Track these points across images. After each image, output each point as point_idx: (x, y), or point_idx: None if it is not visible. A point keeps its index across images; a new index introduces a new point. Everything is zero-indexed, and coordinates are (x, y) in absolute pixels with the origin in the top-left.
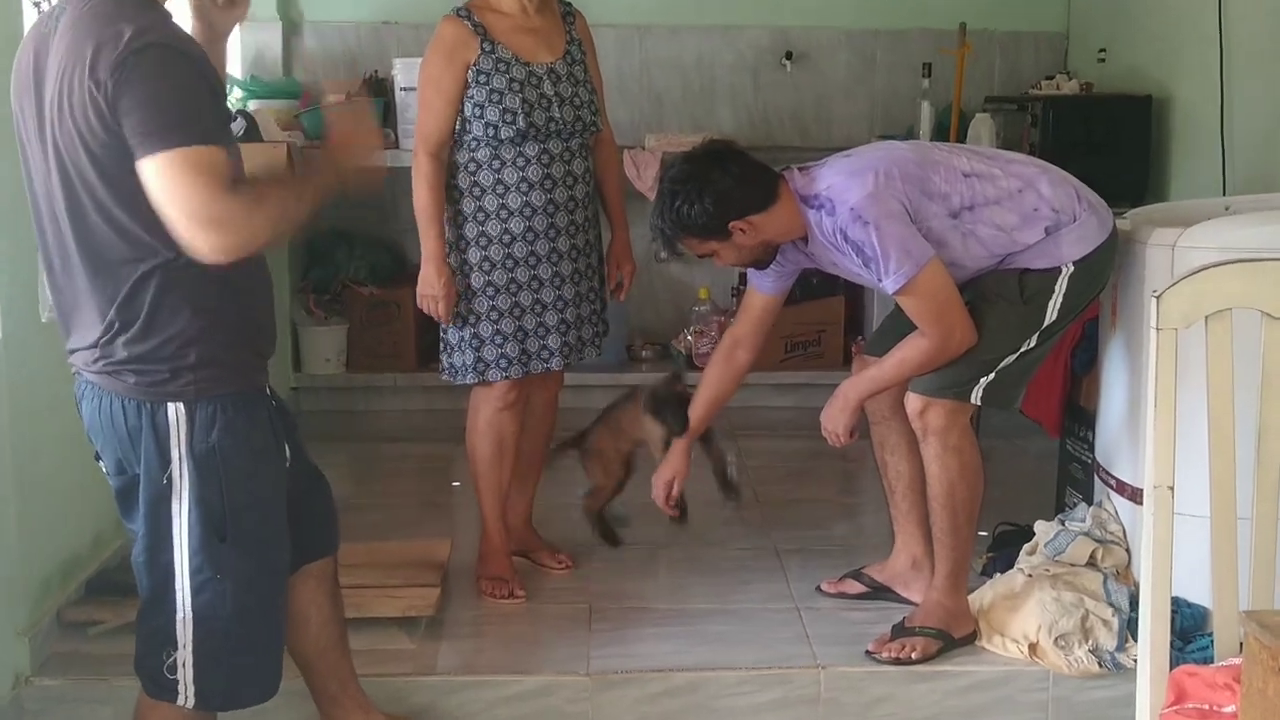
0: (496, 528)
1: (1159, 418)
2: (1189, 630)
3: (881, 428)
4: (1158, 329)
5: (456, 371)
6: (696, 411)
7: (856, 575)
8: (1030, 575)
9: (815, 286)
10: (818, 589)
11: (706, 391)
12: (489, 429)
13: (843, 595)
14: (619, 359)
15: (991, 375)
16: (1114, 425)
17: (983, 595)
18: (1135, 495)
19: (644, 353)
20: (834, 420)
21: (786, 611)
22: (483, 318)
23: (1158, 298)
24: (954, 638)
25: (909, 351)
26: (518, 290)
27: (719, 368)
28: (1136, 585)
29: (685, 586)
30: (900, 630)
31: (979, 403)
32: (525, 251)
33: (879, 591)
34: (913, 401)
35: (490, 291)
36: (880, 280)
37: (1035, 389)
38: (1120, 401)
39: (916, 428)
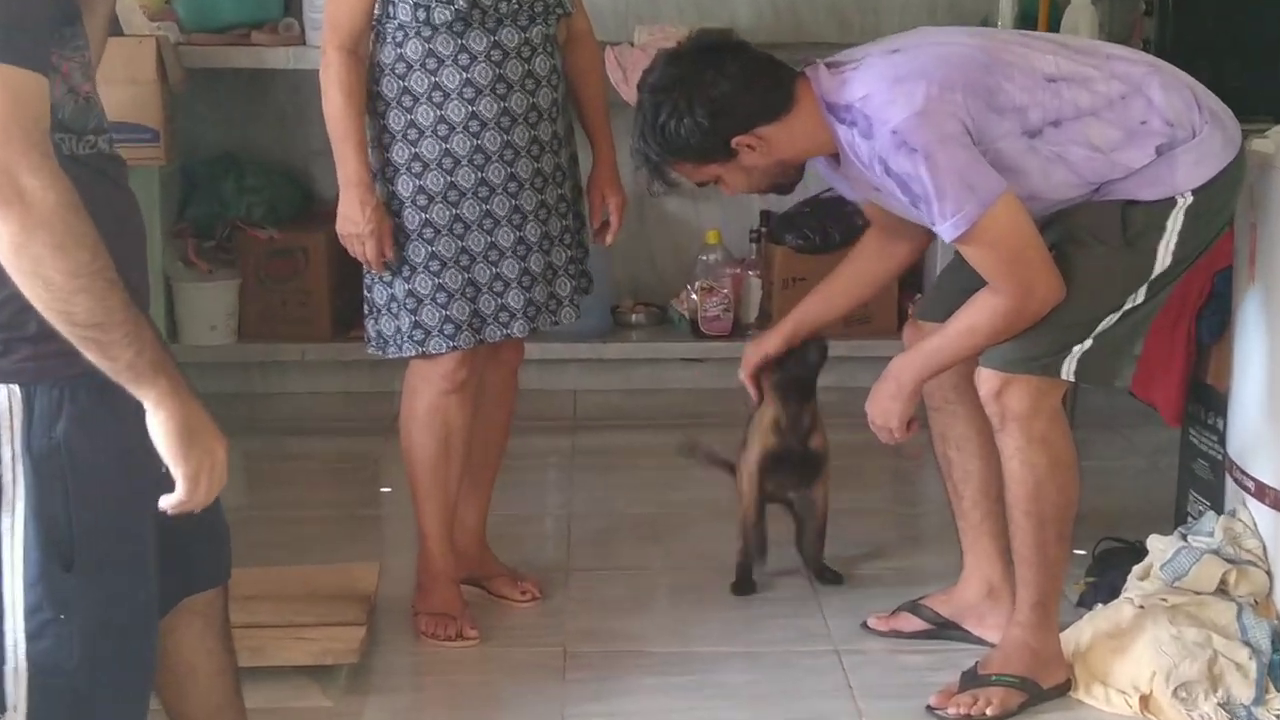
0: (440, 548)
1: None
2: None
3: (944, 415)
4: None
5: (386, 342)
6: (808, 305)
7: (914, 608)
8: (1142, 606)
9: (857, 230)
10: (864, 626)
11: (833, 284)
12: (431, 418)
13: (896, 634)
14: (602, 324)
15: (1088, 342)
16: (1252, 410)
17: (1079, 633)
18: None
19: (634, 316)
20: (884, 411)
21: (823, 655)
22: (419, 269)
23: None
24: (1042, 688)
25: (977, 315)
26: (465, 231)
27: (863, 256)
28: (1275, 618)
29: (690, 623)
30: (972, 679)
31: (1073, 379)
32: (473, 180)
33: (943, 629)
34: (986, 380)
35: (429, 234)
36: (934, 225)
37: (1148, 362)
38: (1261, 379)
39: (991, 413)
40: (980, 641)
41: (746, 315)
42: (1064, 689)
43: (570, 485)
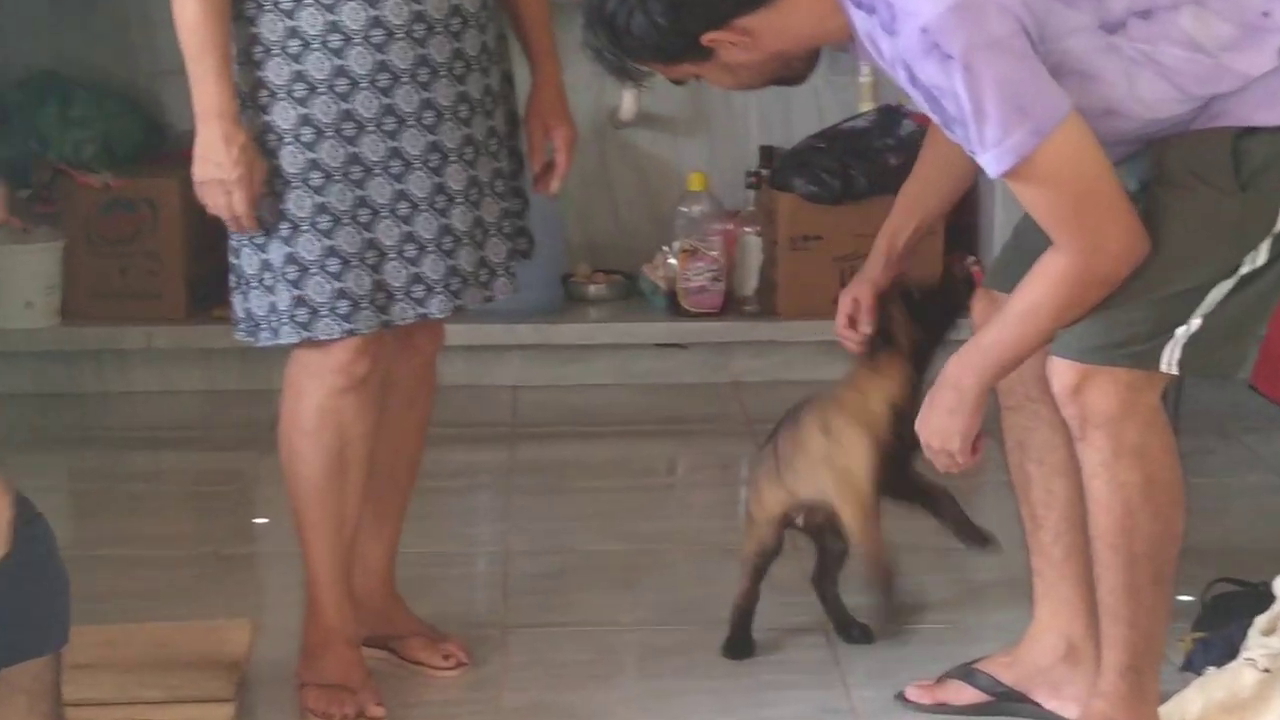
0: (334, 597)
1: None
2: None
3: (1022, 416)
4: None
5: (259, 324)
6: (897, 216)
7: (967, 674)
8: (1268, 670)
9: (891, 171)
10: (900, 698)
11: (916, 183)
12: (321, 425)
13: (943, 708)
14: (550, 299)
15: (1195, 321)
16: None
17: (1186, 705)
18: None
19: (592, 289)
20: (942, 430)
21: None
22: (303, 227)
23: None
24: None
25: (1038, 288)
26: (365, 177)
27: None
28: None
29: (673, 694)
30: None
31: (1176, 370)
32: (376, 107)
33: (1006, 700)
34: (1060, 372)
35: (316, 180)
36: (973, 154)
37: (1272, 346)
38: None
39: (1068, 417)
40: (1054, 717)
41: (742, 286)
42: None
43: (508, 513)
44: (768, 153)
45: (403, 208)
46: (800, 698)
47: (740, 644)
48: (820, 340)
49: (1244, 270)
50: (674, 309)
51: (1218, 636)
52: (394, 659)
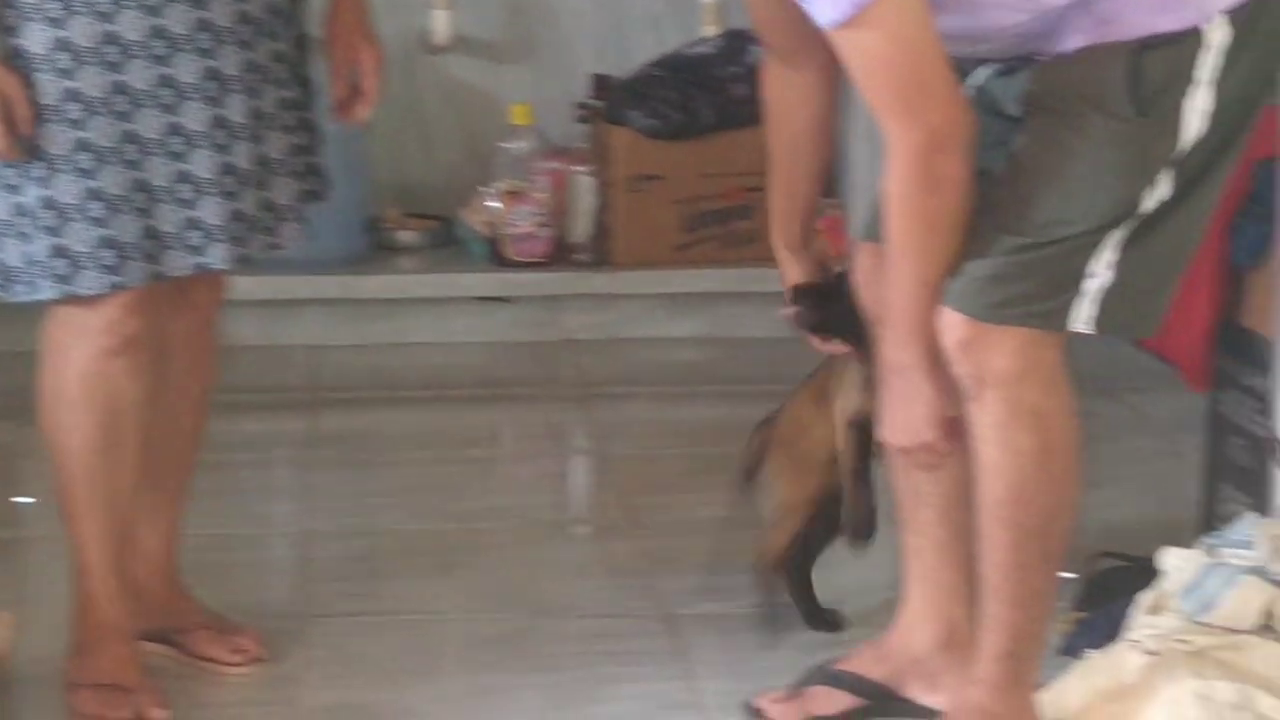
0: (107, 587)
1: None
2: None
3: None
4: None
5: (13, 277)
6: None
7: (831, 678)
8: (1155, 652)
9: (738, 103)
10: (752, 710)
11: (779, 159)
12: (88, 392)
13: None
14: (352, 246)
15: (1103, 273)
16: None
17: (1066, 693)
18: None
19: (402, 235)
20: (908, 424)
21: None
22: (61, 167)
23: None
24: None
25: (894, 215)
26: (132, 109)
27: (783, 105)
28: None
29: (497, 690)
30: None
31: (1091, 329)
32: (143, 30)
33: (880, 700)
34: (953, 326)
35: (75, 112)
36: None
37: None
38: None
39: (961, 374)
40: (932, 713)
41: (574, 232)
42: None
43: (308, 490)
44: (601, 82)
45: (176, 143)
46: (639, 692)
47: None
48: (661, 293)
49: (1146, 207)
50: (496, 258)
51: (1100, 616)
52: (178, 655)
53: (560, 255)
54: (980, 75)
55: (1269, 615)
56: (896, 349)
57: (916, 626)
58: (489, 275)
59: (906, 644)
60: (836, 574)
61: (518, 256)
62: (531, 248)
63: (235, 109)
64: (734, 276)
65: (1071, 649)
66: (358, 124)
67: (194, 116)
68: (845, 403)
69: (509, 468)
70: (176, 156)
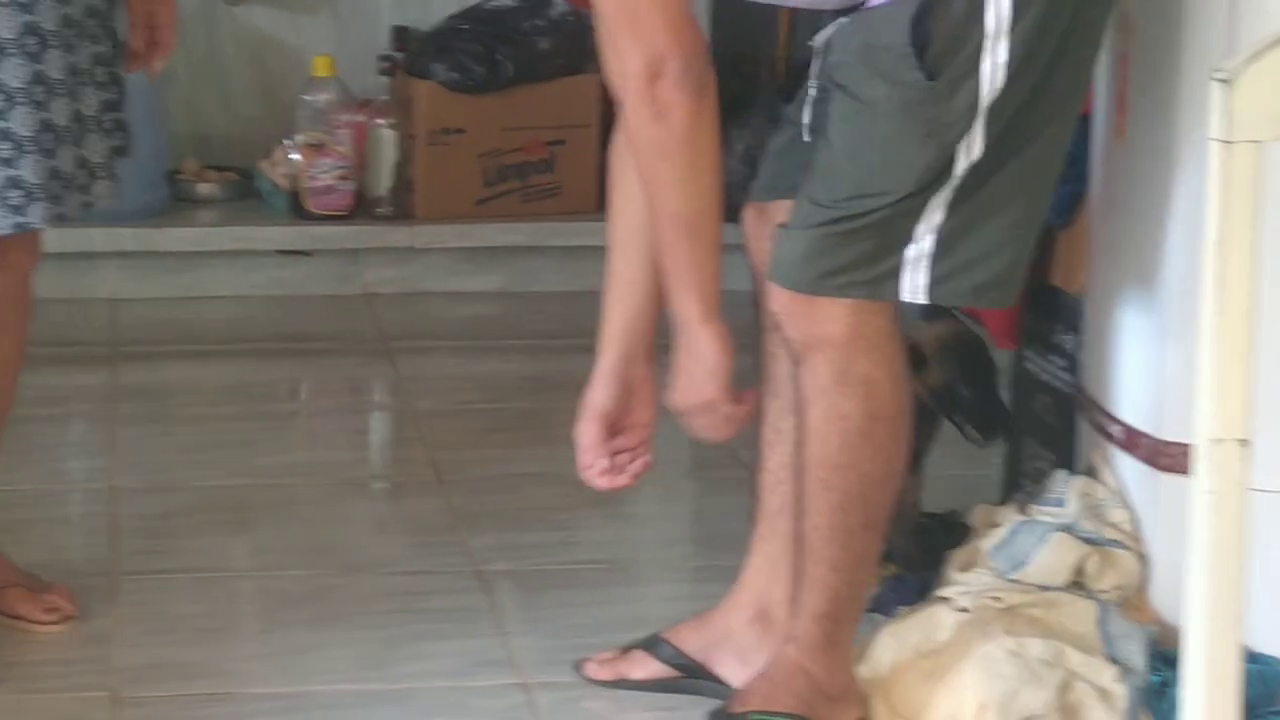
0: None
1: (1225, 308)
2: (1259, 701)
3: (765, 342)
4: (1225, 141)
5: None
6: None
7: (652, 645)
8: (966, 609)
9: (542, 57)
10: (581, 672)
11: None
12: None
13: (622, 683)
14: (152, 199)
15: (924, 239)
16: (1118, 324)
17: (878, 651)
18: (1163, 456)
19: (201, 188)
20: (692, 386)
21: (508, 695)
22: None
23: (1225, 81)
24: None
25: (629, 142)
26: None
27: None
28: (1160, 624)
29: (310, 648)
30: None
31: (925, 299)
32: None
33: (687, 675)
34: (777, 296)
35: None
36: None
37: None
38: (1132, 278)
39: (789, 338)
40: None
41: (375, 185)
42: None
43: (111, 445)
44: (402, 34)
45: None
46: (453, 649)
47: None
48: (462, 247)
49: (960, 167)
50: (297, 211)
51: (908, 573)
52: None
53: (361, 208)
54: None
55: (1079, 572)
56: (686, 301)
57: (737, 600)
58: (289, 228)
59: (725, 616)
60: None
61: (318, 209)
62: (332, 201)
63: (53, 65)
64: (533, 230)
65: (882, 605)
66: (153, 75)
67: (13, 73)
68: None
69: (312, 422)
70: None
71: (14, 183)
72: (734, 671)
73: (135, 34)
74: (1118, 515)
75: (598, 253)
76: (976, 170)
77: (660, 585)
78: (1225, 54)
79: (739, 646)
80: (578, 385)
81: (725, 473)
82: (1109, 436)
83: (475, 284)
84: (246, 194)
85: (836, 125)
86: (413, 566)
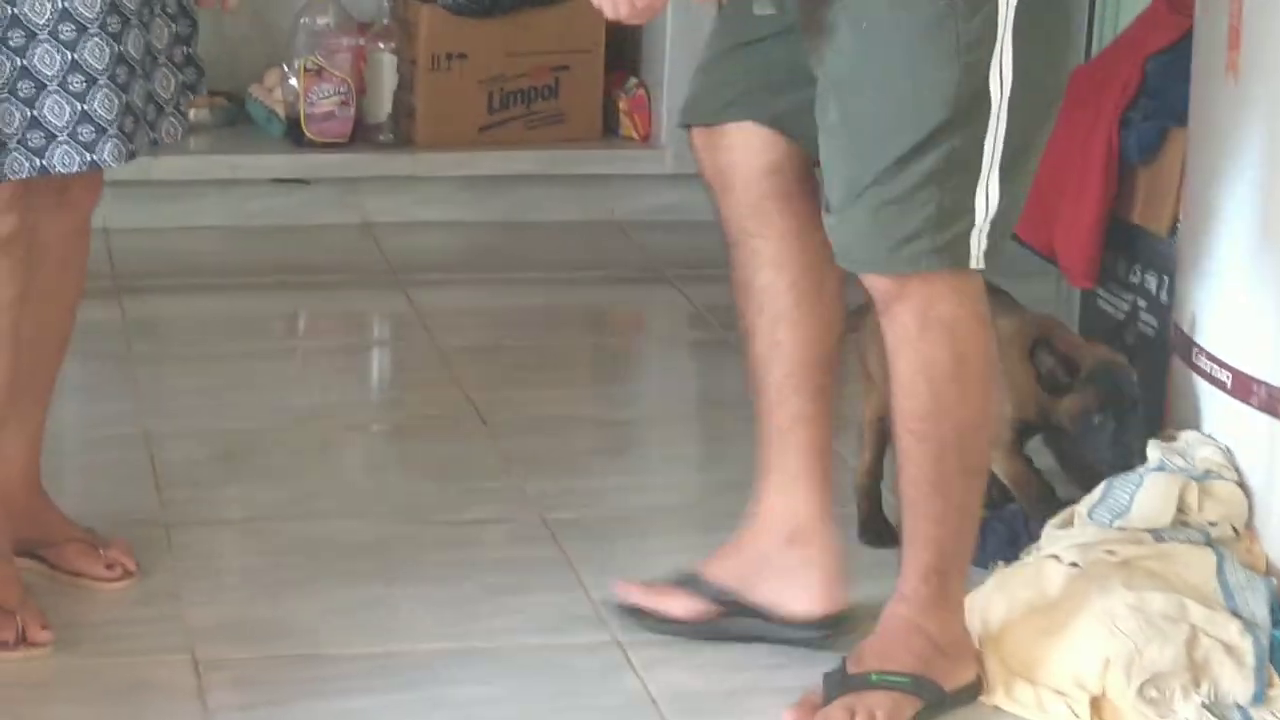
0: None
1: None
2: None
3: (741, 253)
4: None
5: None
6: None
7: (690, 581)
8: (1077, 564)
9: None
10: (617, 594)
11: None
12: None
13: (664, 622)
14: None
15: (993, 195)
16: (1225, 267)
17: (986, 605)
18: (1277, 402)
19: (195, 114)
20: None
21: (601, 650)
22: None
23: None
24: (944, 690)
25: None
26: None
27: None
28: (1275, 571)
29: (385, 603)
30: (844, 683)
31: (983, 265)
32: None
33: (731, 606)
34: (874, 286)
35: None
36: None
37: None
38: (1246, 221)
39: (874, 291)
40: (782, 623)
41: (375, 112)
42: (974, 691)
43: (131, 386)
44: None
45: (67, 30)
46: (537, 604)
47: (876, 528)
48: (463, 175)
49: (996, 96)
50: (295, 138)
51: (994, 518)
52: (46, 569)
53: (360, 135)
54: None
55: (1182, 509)
56: None
57: (766, 520)
58: (286, 156)
59: (757, 540)
60: None
61: (316, 136)
62: (331, 128)
63: None
64: (537, 158)
65: (979, 560)
66: (226, 7)
67: (86, 1)
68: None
69: (334, 359)
70: (66, 47)
71: (86, 117)
72: (778, 596)
73: None
74: (1204, 450)
75: (603, 181)
76: (1016, 101)
77: (729, 533)
78: None
79: (779, 570)
80: (598, 320)
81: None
82: (1215, 381)
83: (478, 214)
84: (237, 119)
85: (855, 63)
86: (473, 515)
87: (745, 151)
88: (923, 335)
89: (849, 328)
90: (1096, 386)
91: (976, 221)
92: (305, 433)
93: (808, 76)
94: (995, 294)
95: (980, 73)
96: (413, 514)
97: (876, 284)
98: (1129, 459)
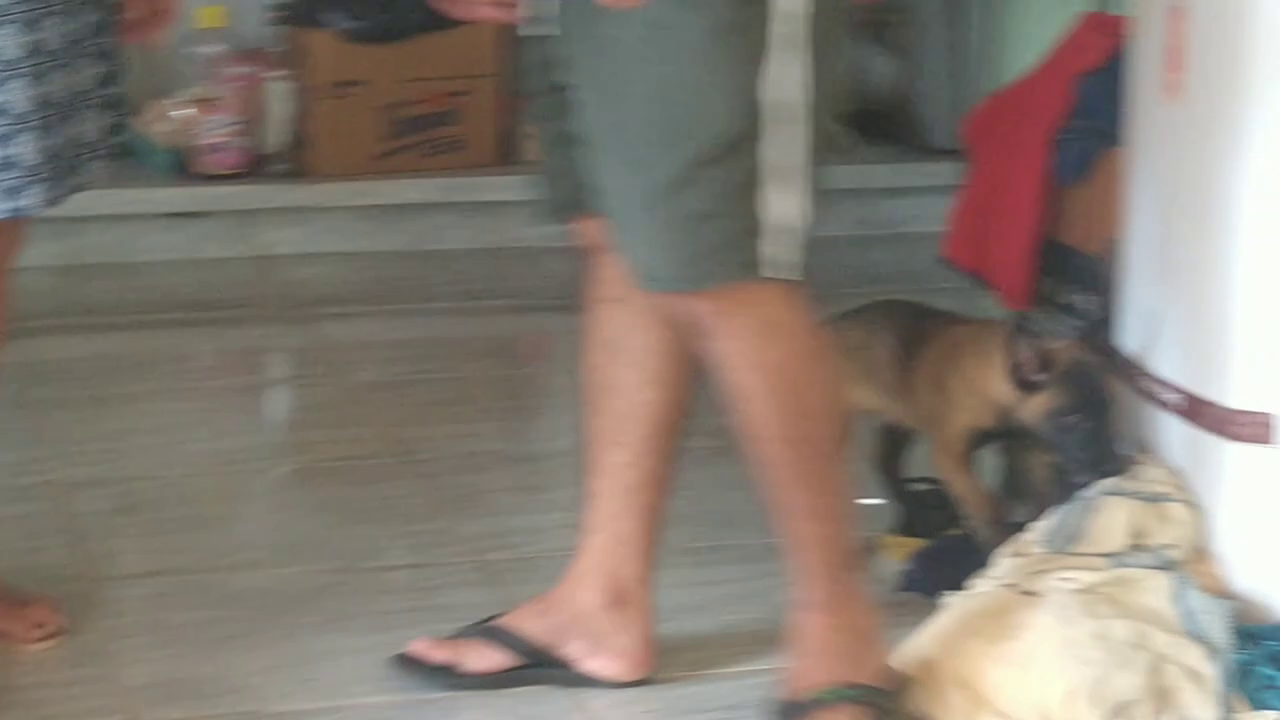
0: None
1: None
2: None
3: (618, 311)
4: None
5: None
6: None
7: (490, 632)
8: (1032, 593)
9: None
10: (410, 654)
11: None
12: None
13: (452, 674)
14: None
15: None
16: (1172, 289)
17: (943, 636)
18: (1232, 425)
19: None
20: None
21: (553, 700)
22: None
23: None
24: (887, 691)
25: None
26: None
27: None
28: (1227, 590)
29: (329, 655)
30: (791, 712)
31: (783, 274)
32: None
33: (536, 660)
34: (662, 304)
35: None
36: None
37: (973, 213)
38: (1190, 242)
39: (683, 322)
40: (589, 683)
41: (269, 141)
42: (898, 677)
43: (36, 432)
44: None
45: None
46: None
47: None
48: (363, 204)
49: (796, 109)
50: (183, 172)
51: (941, 545)
52: None
53: (257, 169)
54: None
55: (1137, 533)
56: None
57: (584, 579)
58: (178, 190)
59: (574, 598)
60: None
61: (209, 169)
62: (224, 159)
63: (53, 33)
64: (436, 186)
65: (914, 584)
66: (153, 47)
67: (10, 41)
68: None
69: (241, 399)
70: None
71: (10, 163)
72: (585, 655)
73: (134, 1)
74: (1154, 472)
75: (504, 208)
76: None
77: (671, 571)
78: None
79: (593, 630)
80: (510, 351)
81: (700, 443)
82: (1163, 404)
83: (378, 243)
84: (126, 153)
85: (632, 75)
86: (409, 560)
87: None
88: (751, 342)
89: None
90: (1071, 385)
91: (787, 228)
92: (222, 478)
93: None
94: (937, 312)
95: (782, 83)
96: (346, 561)
97: (689, 303)
98: (1102, 462)
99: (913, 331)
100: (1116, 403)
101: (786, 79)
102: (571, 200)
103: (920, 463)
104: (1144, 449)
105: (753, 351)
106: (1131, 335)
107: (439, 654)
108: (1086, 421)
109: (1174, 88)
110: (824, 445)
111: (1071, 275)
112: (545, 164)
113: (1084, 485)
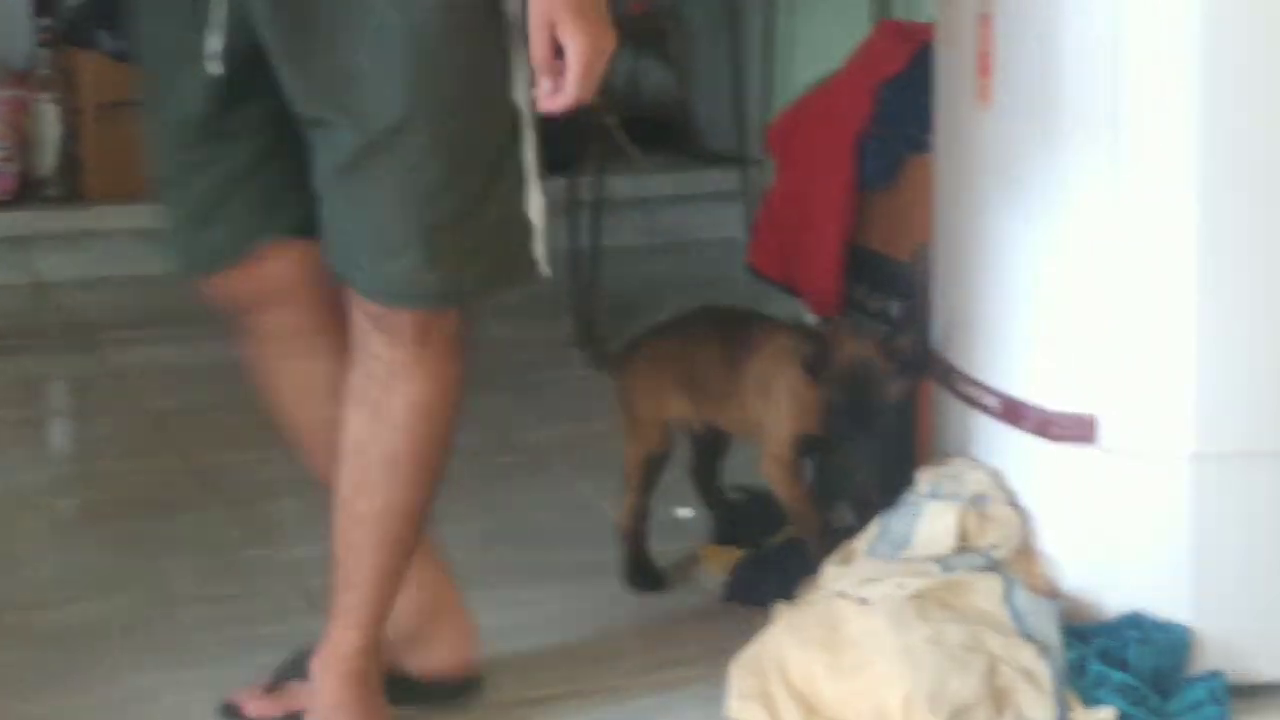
0: None
1: None
2: (1164, 673)
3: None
4: None
5: None
6: None
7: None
8: (864, 600)
9: None
10: (229, 708)
11: None
12: None
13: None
14: None
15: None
16: (988, 293)
17: (777, 647)
18: (1055, 426)
19: None
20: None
21: None
22: None
23: None
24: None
25: None
26: None
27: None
28: (1055, 590)
29: (157, 692)
30: None
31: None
32: None
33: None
34: (410, 325)
35: None
36: None
37: (779, 223)
38: (1005, 246)
39: (369, 342)
40: (430, 682)
41: (40, 165)
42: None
43: None
44: (48, 2)
45: None
46: None
47: (646, 572)
48: (139, 228)
49: (523, 114)
50: None
51: (769, 554)
52: None
53: (28, 194)
54: None
55: (963, 536)
56: None
57: (401, 603)
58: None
59: (395, 619)
60: None
61: None
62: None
63: None
64: None
65: (738, 594)
66: None
67: None
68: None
69: (30, 431)
70: None
71: None
72: (424, 659)
73: None
74: (974, 474)
75: None
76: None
77: (494, 590)
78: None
79: (423, 636)
80: None
81: (501, 459)
82: (981, 406)
83: (159, 267)
84: None
85: (406, 104)
86: (230, 590)
87: (281, 263)
88: (441, 370)
89: (612, 373)
90: (844, 382)
91: (535, 231)
92: (22, 514)
93: (287, 167)
94: (761, 317)
95: (520, 92)
96: (165, 593)
97: (420, 318)
98: (876, 459)
99: (736, 338)
100: (897, 402)
101: (516, 91)
102: (232, 245)
103: (736, 472)
104: (962, 451)
105: (414, 391)
106: (945, 339)
107: (268, 709)
108: (857, 419)
109: (984, 93)
110: (429, 506)
111: (882, 282)
112: (194, 209)
113: (865, 479)
